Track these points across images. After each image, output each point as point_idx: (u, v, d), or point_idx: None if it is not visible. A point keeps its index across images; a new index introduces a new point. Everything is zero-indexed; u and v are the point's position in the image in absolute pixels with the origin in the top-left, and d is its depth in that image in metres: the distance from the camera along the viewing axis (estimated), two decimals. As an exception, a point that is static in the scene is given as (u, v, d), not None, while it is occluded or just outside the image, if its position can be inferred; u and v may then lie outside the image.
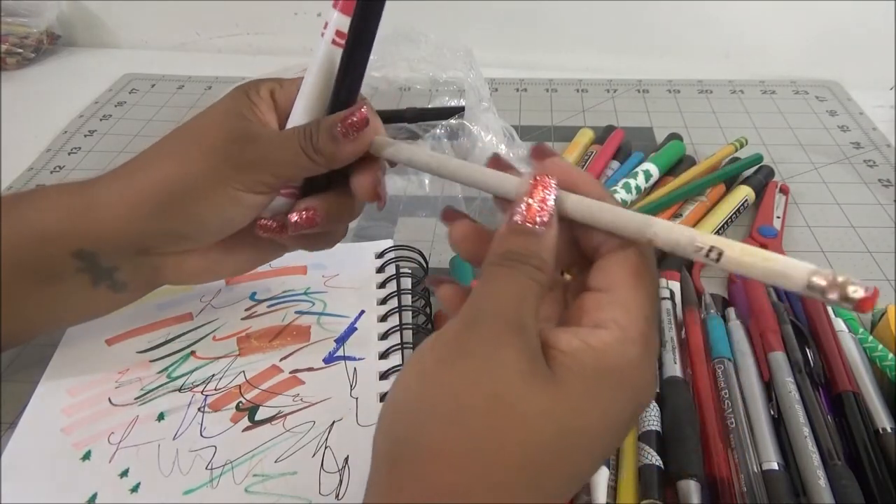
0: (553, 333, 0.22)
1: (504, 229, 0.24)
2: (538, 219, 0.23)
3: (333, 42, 0.30)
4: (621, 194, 0.47)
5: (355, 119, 0.30)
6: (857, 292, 0.18)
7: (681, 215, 0.48)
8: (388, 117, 0.59)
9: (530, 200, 0.24)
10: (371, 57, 0.59)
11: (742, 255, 0.20)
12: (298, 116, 0.32)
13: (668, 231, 0.22)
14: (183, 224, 0.31)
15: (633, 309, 0.23)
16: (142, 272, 0.33)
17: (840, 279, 0.18)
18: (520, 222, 0.23)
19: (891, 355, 0.36)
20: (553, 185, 0.24)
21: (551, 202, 0.24)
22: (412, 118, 0.58)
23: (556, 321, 0.26)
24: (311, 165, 0.31)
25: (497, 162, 0.27)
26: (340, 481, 0.32)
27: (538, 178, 0.24)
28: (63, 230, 0.31)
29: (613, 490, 0.31)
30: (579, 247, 0.26)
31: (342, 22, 0.30)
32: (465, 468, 0.20)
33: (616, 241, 0.24)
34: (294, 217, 0.32)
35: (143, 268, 0.33)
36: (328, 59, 0.30)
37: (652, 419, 0.32)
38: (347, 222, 0.35)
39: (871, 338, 0.38)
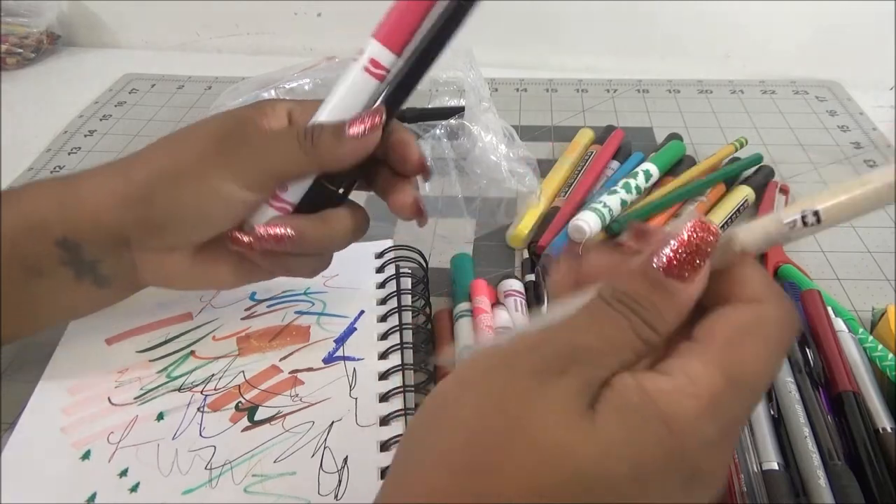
0: (617, 376, 0.19)
1: (638, 266, 0.20)
2: (684, 273, 0.19)
3: (366, 69, 0.30)
4: (621, 194, 0.47)
5: (368, 120, 0.29)
6: None
7: (681, 215, 0.48)
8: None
9: (680, 249, 0.20)
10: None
11: (832, 197, 0.18)
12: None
13: (749, 230, 0.19)
14: (161, 212, 0.30)
15: (715, 365, 0.19)
16: (123, 267, 0.33)
17: None
18: (659, 269, 0.20)
19: (891, 355, 0.36)
20: (716, 236, 0.20)
21: (707, 251, 0.20)
22: (412, 118, 0.58)
23: None
24: (304, 160, 0.30)
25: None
26: (339, 482, 0.32)
27: (701, 222, 0.20)
28: (48, 218, 0.31)
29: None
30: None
31: (379, 52, 0.30)
32: (461, 475, 0.18)
33: (734, 294, 0.20)
34: (261, 230, 0.31)
35: (124, 263, 0.32)
36: (356, 84, 0.31)
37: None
38: (329, 251, 0.35)
39: (870, 338, 0.38)
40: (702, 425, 0.18)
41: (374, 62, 0.30)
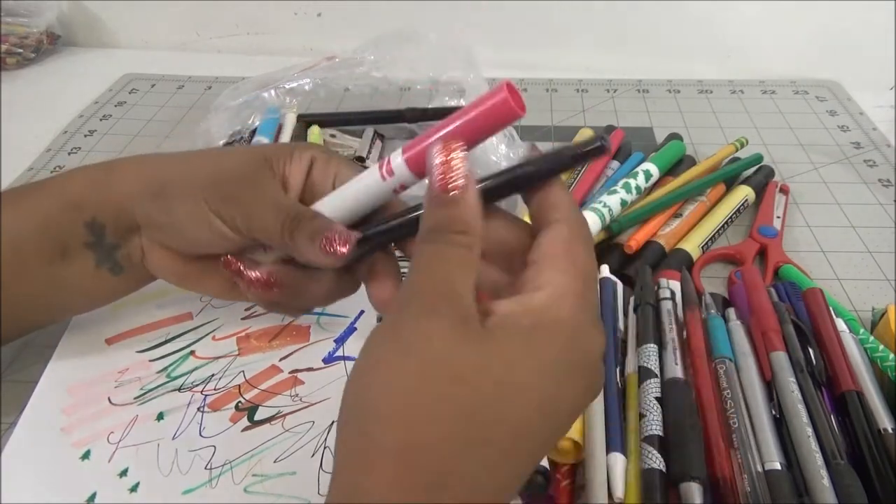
0: (494, 303, 0.23)
1: (425, 205, 0.25)
2: (452, 184, 0.24)
3: (382, 177, 0.29)
4: (621, 194, 0.47)
5: (337, 242, 0.29)
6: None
7: (681, 215, 0.48)
8: (389, 117, 0.59)
9: (440, 168, 0.24)
10: (370, 57, 0.59)
11: None
12: (317, 206, 0.31)
13: None
14: (162, 217, 0.33)
15: (568, 271, 0.24)
16: (135, 255, 0.34)
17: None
18: (436, 193, 0.24)
19: (892, 356, 0.36)
20: (460, 148, 0.24)
21: (460, 165, 0.24)
22: (412, 118, 0.58)
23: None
24: (278, 240, 0.31)
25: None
26: (340, 481, 0.32)
27: (443, 143, 0.24)
28: (84, 199, 0.33)
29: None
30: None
31: (403, 173, 0.29)
32: (404, 425, 0.20)
33: (549, 218, 0.26)
34: (252, 274, 0.31)
35: (136, 251, 0.34)
36: (372, 189, 0.30)
37: (654, 421, 0.32)
38: (311, 307, 0.35)
39: (871, 338, 0.38)
40: (582, 316, 0.23)
41: (401, 186, 0.29)
